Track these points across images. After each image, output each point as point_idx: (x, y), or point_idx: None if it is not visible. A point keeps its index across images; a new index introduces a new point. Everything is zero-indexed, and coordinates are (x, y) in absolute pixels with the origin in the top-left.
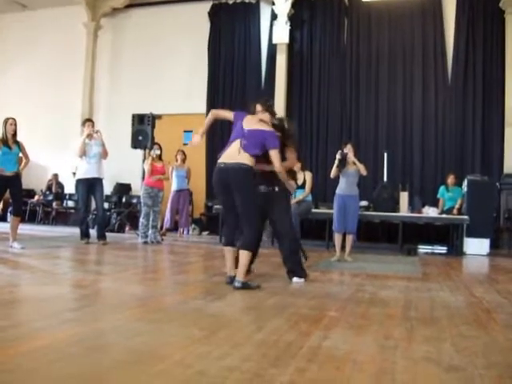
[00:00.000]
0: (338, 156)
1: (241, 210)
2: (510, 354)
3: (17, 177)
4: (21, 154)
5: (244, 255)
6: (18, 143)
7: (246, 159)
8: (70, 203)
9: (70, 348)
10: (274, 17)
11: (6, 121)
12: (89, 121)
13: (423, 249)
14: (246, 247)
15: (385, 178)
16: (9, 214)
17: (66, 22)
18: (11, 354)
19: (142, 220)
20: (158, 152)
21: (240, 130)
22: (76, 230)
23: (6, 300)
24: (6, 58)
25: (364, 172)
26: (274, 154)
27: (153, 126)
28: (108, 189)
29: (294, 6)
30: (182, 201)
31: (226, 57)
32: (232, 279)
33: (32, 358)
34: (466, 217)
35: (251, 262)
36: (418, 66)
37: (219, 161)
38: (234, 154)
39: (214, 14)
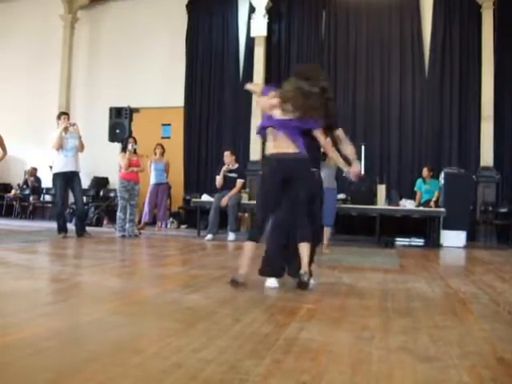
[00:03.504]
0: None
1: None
2: (483, 343)
3: None
4: None
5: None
6: None
7: None
8: (48, 197)
9: (46, 342)
10: (251, 10)
11: None
12: (64, 114)
13: (400, 241)
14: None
15: (362, 171)
16: None
17: (43, 13)
18: None
19: (118, 214)
20: (136, 146)
21: None
22: (53, 225)
23: None
24: None
25: (344, 167)
26: None
27: (130, 119)
28: (85, 182)
29: None
30: (160, 194)
31: (204, 50)
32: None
33: (7, 352)
34: (442, 209)
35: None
36: (395, 59)
37: None
38: None
39: (191, 6)
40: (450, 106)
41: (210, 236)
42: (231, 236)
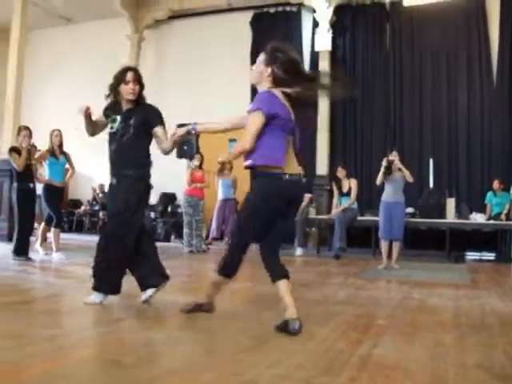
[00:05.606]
0: (384, 163)
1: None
2: None
3: (63, 188)
4: (67, 165)
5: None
6: (64, 154)
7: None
8: None
9: (120, 356)
10: (315, 24)
11: (52, 132)
12: None
13: (471, 255)
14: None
15: (431, 185)
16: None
17: (110, 34)
18: (64, 362)
19: (185, 230)
20: (197, 163)
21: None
22: None
23: (56, 309)
24: (52, 70)
25: (410, 179)
26: None
27: (197, 136)
28: (153, 198)
29: (335, 12)
30: (227, 210)
31: None
32: None
33: (79, 367)
34: None
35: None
36: (462, 69)
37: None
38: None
39: (255, 22)
40: None
41: None
42: (299, 251)
